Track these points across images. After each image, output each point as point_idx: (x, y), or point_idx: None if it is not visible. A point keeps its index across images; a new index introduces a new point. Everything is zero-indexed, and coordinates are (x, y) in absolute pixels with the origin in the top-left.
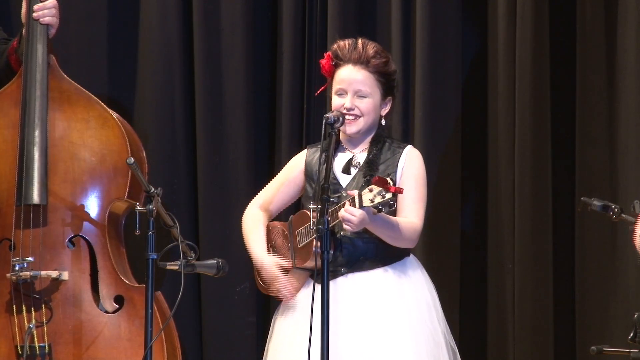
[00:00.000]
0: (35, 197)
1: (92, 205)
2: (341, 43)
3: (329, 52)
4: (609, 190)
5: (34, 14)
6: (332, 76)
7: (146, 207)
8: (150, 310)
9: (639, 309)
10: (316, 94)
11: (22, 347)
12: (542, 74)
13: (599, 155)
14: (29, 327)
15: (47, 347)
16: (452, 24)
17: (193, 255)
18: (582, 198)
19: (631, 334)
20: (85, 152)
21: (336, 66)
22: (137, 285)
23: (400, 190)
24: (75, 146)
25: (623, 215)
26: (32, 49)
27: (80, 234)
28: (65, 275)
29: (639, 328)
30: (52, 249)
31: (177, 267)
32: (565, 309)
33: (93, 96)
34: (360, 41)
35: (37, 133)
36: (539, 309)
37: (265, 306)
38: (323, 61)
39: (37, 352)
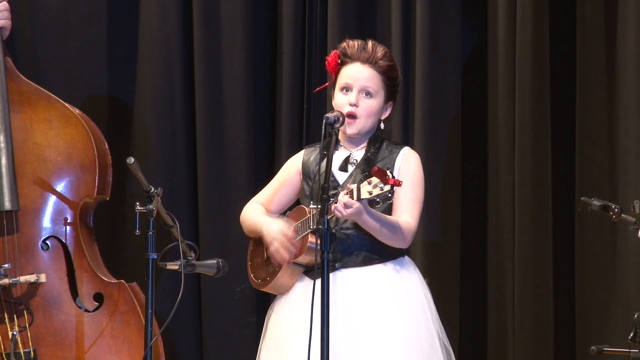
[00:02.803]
0: (7, 204)
1: (63, 205)
2: (351, 42)
3: (336, 50)
4: (609, 190)
5: None
6: (336, 74)
7: (146, 207)
8: (150, 310)
9: (639, 309)
10: (315, 91)
11: (7, 355)
12: (542, 74)
13: (599, 155)
14: (13, 334)
15: (32, 352)
16: (452, 24)
17: (193, 255)
18: (582, 198)
19: (631, 334)
20: (51, 152)
21: (342, 64)
22: (114, 281)
23: (399, 183)
24: (40, 147)
25: (623, 215)
26: None
27: (53, 234)
28: (42, 278)
29: (639, 328)
30: (26, 253)
31: (177, 267)
32: (565, 309)
33: (53, 95)
34: (370, 42)
35: (1, 138)
36: (539, 309)
37: (265, 306)
38: (329, 58)
39: (23, 358)
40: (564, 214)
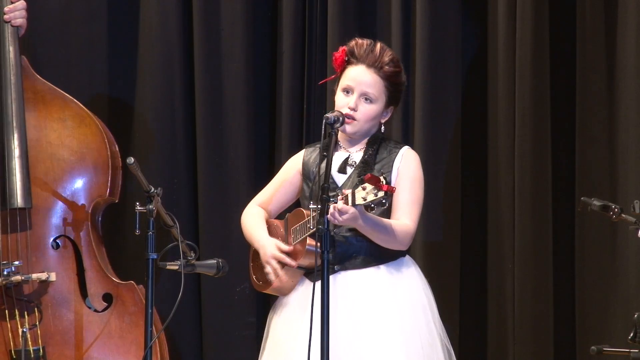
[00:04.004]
0: (19, 201)
1: (74, 204)
2: (360, 41)
3: (344, 47)
4: (609, 190)
5: (5, 16)
6: (341, 71)
7: (146, 207)
8: (150, 310)
9: (639, 309)
10: (320, 83)
11: (17, 352)
12: (542, 74)
13: (599, 155)
14: (23, 331)
15: (40, 350)
16: (452, 24)
17: (193, 255)
18: (582, 198)
19: (631, 334)
20: (64, 152)
21: (348, 63)
22: (124, 282)
23: (392, 190)
24: (53, 146)
25: (623, 215)
26: (4, 51)
27: (64, 234)
28: (52, 277)
29: (639, 328)
30: (37, 251)
31: (177, 267)
32: (565, 309)
33: (68, 95)
34: (378, 45)
35: (16, 136)
36: (539, 309)
37: (265, 306)
38: (337, 54)
39: (32, 356)
40: (564, 214)
